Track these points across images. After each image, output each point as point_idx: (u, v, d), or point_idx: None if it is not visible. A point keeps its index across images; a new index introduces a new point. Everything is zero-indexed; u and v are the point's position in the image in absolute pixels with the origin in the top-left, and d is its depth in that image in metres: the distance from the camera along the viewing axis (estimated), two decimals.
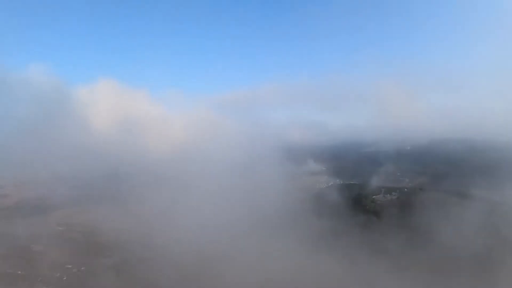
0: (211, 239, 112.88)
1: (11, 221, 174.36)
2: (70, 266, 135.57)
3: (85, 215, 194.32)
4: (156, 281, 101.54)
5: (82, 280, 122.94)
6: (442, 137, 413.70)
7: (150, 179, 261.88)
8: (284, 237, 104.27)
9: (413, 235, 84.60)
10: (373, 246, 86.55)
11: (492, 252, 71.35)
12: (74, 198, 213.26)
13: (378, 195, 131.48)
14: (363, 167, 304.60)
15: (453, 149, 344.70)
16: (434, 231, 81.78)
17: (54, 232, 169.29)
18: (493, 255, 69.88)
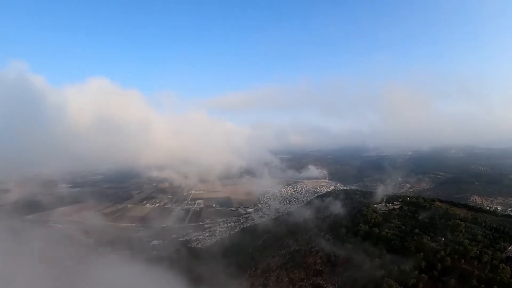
0: None
1: (11, 217, 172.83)
2: (69, 264, 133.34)
3: (83, 212, 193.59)
4: None
5: (78, 277, 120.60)
6: (444, 144, 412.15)
7: (136, 181, 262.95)
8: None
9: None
10: None
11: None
12: (72, 196, 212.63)
13: (380, 204, 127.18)
14: (364, 172, 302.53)
15: (454, 156, 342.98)
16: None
17: (53, 229, 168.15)
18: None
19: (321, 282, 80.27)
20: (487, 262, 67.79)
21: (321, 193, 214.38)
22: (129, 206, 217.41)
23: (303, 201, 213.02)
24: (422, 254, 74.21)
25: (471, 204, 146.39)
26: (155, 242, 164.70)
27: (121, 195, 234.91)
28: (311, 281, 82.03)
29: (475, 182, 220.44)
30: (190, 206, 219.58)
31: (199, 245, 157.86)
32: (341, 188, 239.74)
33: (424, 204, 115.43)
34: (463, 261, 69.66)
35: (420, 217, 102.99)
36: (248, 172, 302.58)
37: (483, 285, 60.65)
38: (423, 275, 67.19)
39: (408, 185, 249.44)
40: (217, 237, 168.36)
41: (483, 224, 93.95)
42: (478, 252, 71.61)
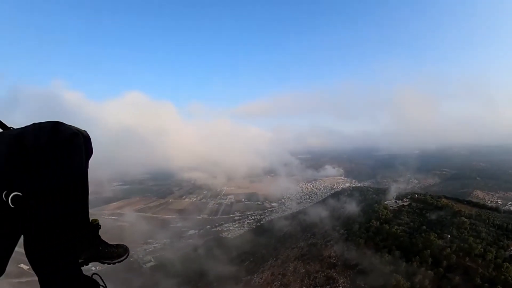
0: None
1: None
2: None
3: (132, 206, 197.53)
4: None
5: (127, 266, 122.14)
6: (449, 143, 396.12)
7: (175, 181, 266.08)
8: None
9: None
10: None
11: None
12: (123, 192, 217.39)
13: (390, 201, 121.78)
14: (376, 170, 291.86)
15: (457, 153, 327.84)
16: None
17: (107, 220, 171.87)
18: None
19: (334, 274, 76.77)
20: (491, 260, 62.33)
21: (337, 190, 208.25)
22: (170, 200, 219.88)
23: (322, 196, 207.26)
24: (429, 251, 69.41)
25: (475, 199, 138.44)
26: (191, 231, 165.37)
27: (164, 191, 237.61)
28: (325, 273, 78.62)
29: (477, 178, 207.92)
30: (222, 201, 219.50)
31: (229, 235, 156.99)
32: (355, 184, 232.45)
33: (431, 201, 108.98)
34: (467, 258, 64.44)
35: (428, 214, 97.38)
36: (272, 171, 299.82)
37: (486, 284, 55.78)
38: (429, 271, 62.77)
39: (416, 181, 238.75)
40: (245, 228, 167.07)
41: (487, 221, 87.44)
42: (482, 250, 66.13)
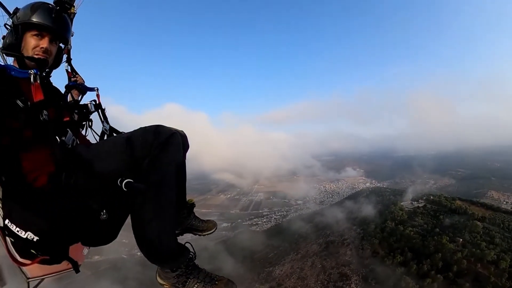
0: None
1: None
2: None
3: None
4: None
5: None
6: (465, 143, 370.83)
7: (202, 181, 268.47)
8: None
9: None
10: None
11: None
12: None
13: (406, 202, 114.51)
14: (395, 170, 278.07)
15: (472, 153, 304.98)
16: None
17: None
18: None
19: (348, 272, 72.88)
20: (504, 269, 55.45)
21: (358, 189, 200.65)
22: (208, 196, 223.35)
23: (343, 196, 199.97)
24: (440, 254, 63.55)
25: (489, 200, 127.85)
26: (225, 224, 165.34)
27: (203, 189, 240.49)
28: (339, 270, 74.86)
29: (492, 178, 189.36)
30: (253, 198, 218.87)
31: (258, 229, 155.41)
32: (375, 184, 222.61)
33: (445, 203, 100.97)
34: (479, 265, 58.16)
35: (441, 216, 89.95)
36: (298, 172, 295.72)
37: None
38: (439, 275, 57.33)
39: (432, 181, 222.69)
40: (272, 223, 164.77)
41: (501, 225, 79.09)
42: (495, 256, 59.29)
